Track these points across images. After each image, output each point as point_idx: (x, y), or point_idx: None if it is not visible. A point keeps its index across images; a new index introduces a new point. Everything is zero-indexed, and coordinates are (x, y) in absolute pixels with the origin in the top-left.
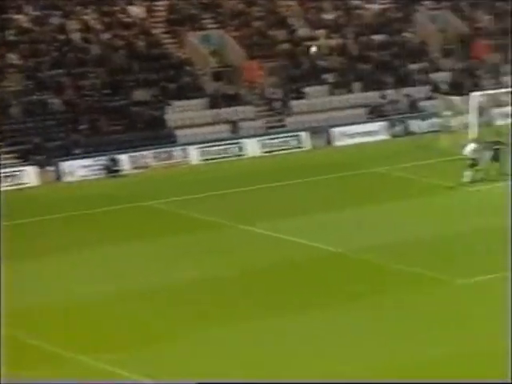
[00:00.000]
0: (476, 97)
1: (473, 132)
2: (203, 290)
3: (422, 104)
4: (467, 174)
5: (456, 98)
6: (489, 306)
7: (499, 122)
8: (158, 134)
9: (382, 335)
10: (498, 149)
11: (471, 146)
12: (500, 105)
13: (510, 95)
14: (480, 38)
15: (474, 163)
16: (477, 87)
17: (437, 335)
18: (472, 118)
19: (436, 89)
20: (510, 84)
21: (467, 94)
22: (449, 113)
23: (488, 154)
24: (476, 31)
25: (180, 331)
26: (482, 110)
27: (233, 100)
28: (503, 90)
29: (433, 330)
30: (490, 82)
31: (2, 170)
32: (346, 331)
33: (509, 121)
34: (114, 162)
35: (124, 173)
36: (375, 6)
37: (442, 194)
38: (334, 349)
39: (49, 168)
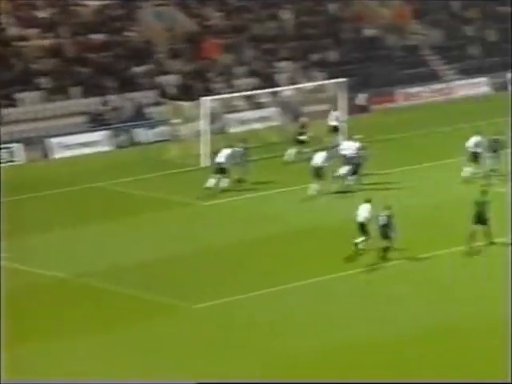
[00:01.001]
0: (207, 102)
1: (205, 140)
2: None
3: (149, 110)
4: (211, 182)
5: (185, 104)
6: (228, 331)
7: (233, 129)
8: None
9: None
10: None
11: (225, 152)
12: (234, 110)
13: (244, 99)
14: (210, 36)
15: (223, 171)
16: (208, 91)
17: (182, 364)
18: (204, 126)
19: (163, 93)
20: (243, 87)
21: (198, 99)
22: (178, 120)
23: (243, 161)
24: (205, 29)
25: None
26: (214, 117)
27: None
28: (237, 94)
29: (174, 360)
30: (222, 85)
31: None
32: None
33: (244, 127)
34: None
35: None
36: (94, 3)
37: (173, 209)
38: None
39: None
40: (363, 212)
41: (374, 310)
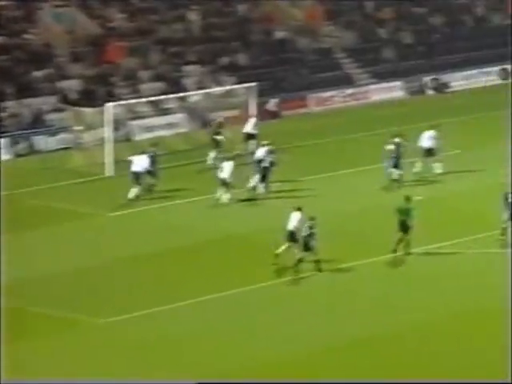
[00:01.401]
0: (111, 108)
1: (109, 148)
2: None
3: (49, 117)
4: (134, 191)
5: (88, 110)
6: (136, 348)
7: (139, 137)
8: None
9: None
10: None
11: (140, 160)
12: (139, 116)
13: (149, 105)
14: (113, 39)
15: (139, 180)
16: (112, 96)
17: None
18: (107, 133)
19: (64, 99)
20: (149, 92)
21: (101, 105)
22: (80, 127)
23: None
24: (108, 32)
25: None
26: (118, 123)
27: None
28: (142, 100)
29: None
30: (126, 90)
31: None
32: None
33: (150, 134)
34: None
35: None
36: None
37: (78, 221)
38: None
39: None
40: (294, 220)
41: (293, 322)
